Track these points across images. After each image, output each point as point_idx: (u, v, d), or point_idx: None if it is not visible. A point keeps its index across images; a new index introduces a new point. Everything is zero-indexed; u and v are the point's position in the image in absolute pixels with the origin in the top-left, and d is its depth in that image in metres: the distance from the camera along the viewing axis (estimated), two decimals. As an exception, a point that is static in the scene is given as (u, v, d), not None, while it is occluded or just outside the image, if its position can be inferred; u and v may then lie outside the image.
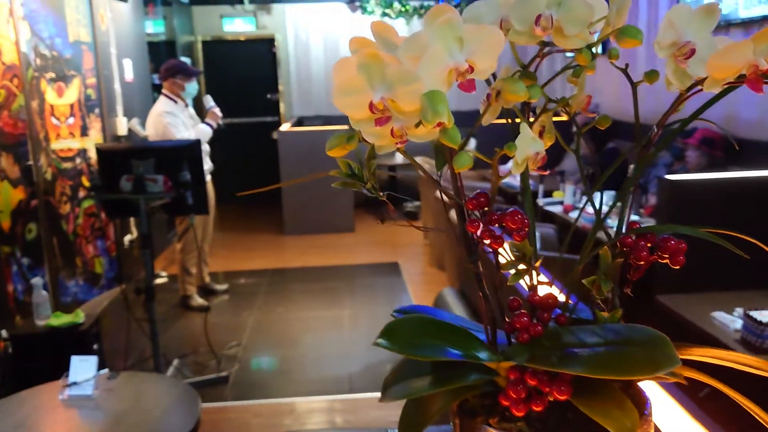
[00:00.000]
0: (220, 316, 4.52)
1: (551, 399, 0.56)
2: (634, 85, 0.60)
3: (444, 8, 0.47)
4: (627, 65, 0.59)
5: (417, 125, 0.46)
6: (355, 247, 6.09)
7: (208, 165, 4.64)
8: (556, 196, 4.42)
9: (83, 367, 1.91)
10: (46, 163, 4.05)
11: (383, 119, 0.46)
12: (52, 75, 4.19)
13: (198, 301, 4.55)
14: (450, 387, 0.62)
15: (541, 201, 4.43)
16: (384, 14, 7.58)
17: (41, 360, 2.95)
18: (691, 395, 3.04)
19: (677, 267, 0.58)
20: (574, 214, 3.99)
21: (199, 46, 7.91)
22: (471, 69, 0.46)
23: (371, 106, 0.45)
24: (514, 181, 5.23)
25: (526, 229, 0.58)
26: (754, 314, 2.14)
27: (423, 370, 0.65)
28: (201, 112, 4.76)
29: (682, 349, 0.61)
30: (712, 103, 0.57)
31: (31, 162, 3.82)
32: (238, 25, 7.92)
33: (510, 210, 0.57)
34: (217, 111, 4.63)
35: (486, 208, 0.59)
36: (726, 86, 0.50)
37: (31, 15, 3.93)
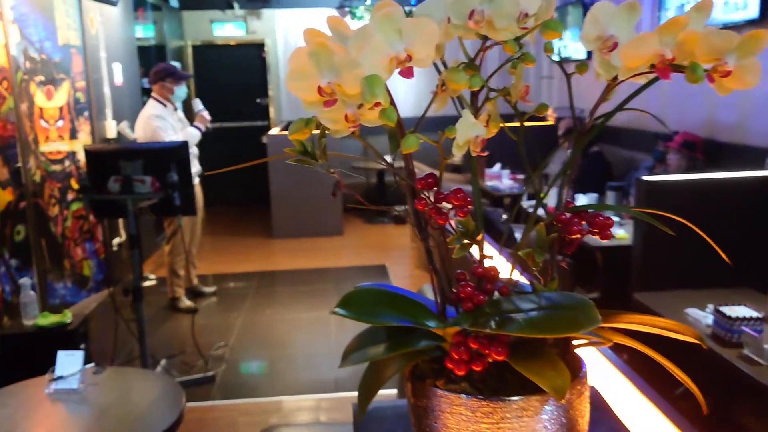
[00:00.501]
0: (209, 318, 4.56)
1: (490, 360, 0.62)
2: (568, 77, 0.65)
3: (386, 3, 0.53)
4: (561, 58, 0.65)
5: (360, 106, 0.52)
6: (343, 250, 6.14)
7: (196, 168, 4.68)
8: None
9: (69, 362, 1.95)
10: (35, 165, 4.08)
11: (330, 101, 0.52)
12: (41, 78, 4.23)
13: (186, 303, 4.58)
14: (402, 352, 0.67)
15: (525, 203, 4.49)
16: (373, 20, 7.65)
17: (28, 360, 2.98)
18: (666, 394, 3.11)
19: (605, 240, 0.64)
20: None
21: (190, 50, 7.96)
22: (409, 57, 0.52)
23: (320, 89, 0.51)
24: (500, 184, 5.30)
25: (469, 206, 0.63)
26: (724, 310, 2.21)
27: (378, 339, 0.70)
28: (190, 115, 4.81)
29: (612, 317, 0.67)
30: (637, 93, 0.63)
31: (20, 164, 3.86)
32: (228, 30, 7.98)
33: (453, 189, 0.63)
34: (206, 114, 4.68)
35: (435, 188, 0.65)
36: (639, 75, 0.56)
37: (20, 18, 3.97)
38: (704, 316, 2.37)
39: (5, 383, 2.51)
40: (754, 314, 2.19)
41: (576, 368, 0.68)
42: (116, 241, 5.16)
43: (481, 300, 0.64)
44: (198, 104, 4.74)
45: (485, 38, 0.63)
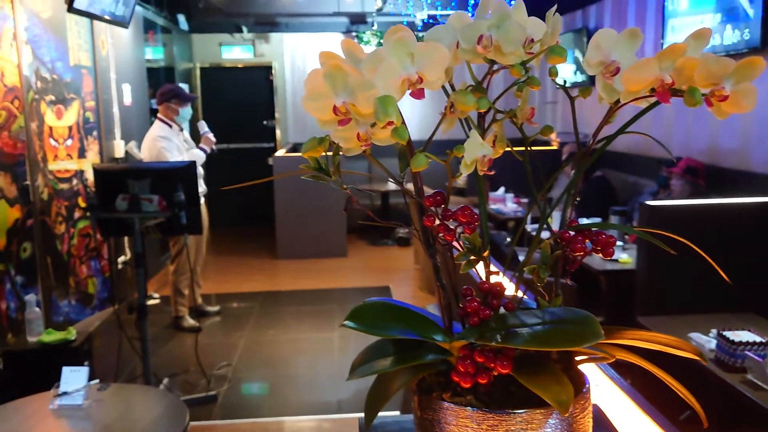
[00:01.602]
0: (212, 337, 4.56)
1: (496, 373, 0.64)
2: (572, 100, 0.68)
3: (398, 28, 0.56)
4: (565, 81, 0.67)
5: (372, 125, 0.54)
6: (347, 272, 6.15)
7: (202, 188, 4.72)
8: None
9: (74, 378, 1.96)
10: (43, 183, 4.12)
11: (345, 120, 0.54)
12: (52, 97, 4.29)
13: (190, 322, 4.59)
14: (409, 365, 0.69)
15: (528, 227, 4.51)
16: (379, 44, 7.76)
17: (32, 376, 2.99)
18: (671, 418, 3.09)
19: (608, 258, 0.66)
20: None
21: (198, 72, 8.06)
22: (420, 80, 0.55)
23: (335, 108, 0.53)
24: (504, 207, 5.32)
25: (476, 223, 0.65)
26: (728, 334, 2.21)
27: (386, 352, 0.72)
28: (196, 137, 4.86)
29: (614, 333, 0.69)
30: (639, 117, 0.65)
31: (28, 182, 3.90)
32: (236, 53, 8.08)
33: (461, 206, 0.65)
34: (211, 136, 4.73)
35: (442, 206, 0.67)
36: (640, 99, 0.58)
37: (33, 39, 4.04)
38: (707, 341, 2.37)
39: (9, 399, 2.52)
40: (758, 339, 2.19)
41: (579, 383, 0.69)
42: (121, 259, 5.18)
43: (488, 315, 0.66)
44: (203, 126, 4.79)
45: (492, 62, 0.66)
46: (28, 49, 3.99)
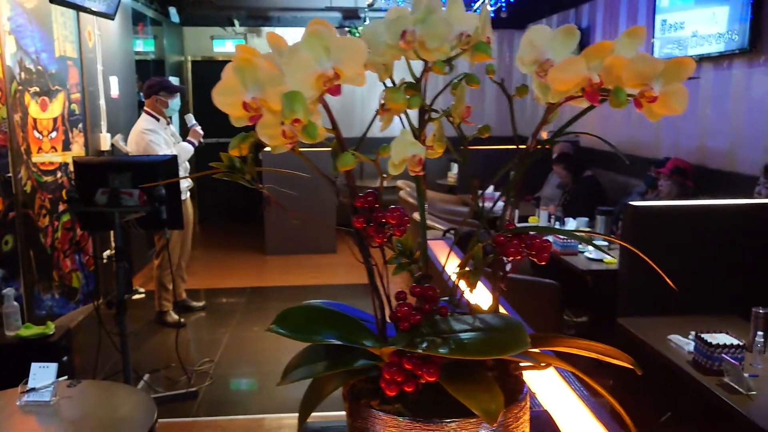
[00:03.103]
0: (196, 333, 4.53)
1: (423, 381, 0.61)
2: (509, 98, 0.65)
3: (316, 21, 0.53)
4: (503, 80, 0.65)
5: (281, 123, 0.52)
6: (336, 268, 6.12)
7: (187, 182, 4.69)
8: (532, 221, 4.49)
9: (43, 374, 1.93)
10: (26, 175, 4.08)
11: (255, 116, 0.52)
12: (36, 89, 4.25)
13: (173, 317, 4.56)
14: (339, 370, 0.67)
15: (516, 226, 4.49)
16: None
17: (9, 370, 2.95)
18: (652, 420, 3.08)
19: (543, 263, 0.64)
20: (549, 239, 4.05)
21: (189, 65, 8.01)
22: (337, 75, 0.52)
23: (245, 104, 0.51)
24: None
25: (407, 225, 0.63)
26: (706, 337, 2.19)
27: (319, 357, 0.70)
28: (184, 131, 4.83)
29: (551, 341, 0.67)
30: (576, 118, 0.63)
31: (10, 174, 3.86)
32: (228, 47, 8.03)
33: (391, 207, 0.62)
34: (199, 129, 4.69)
35: (375, 206, 0.65)
36: (574, 99, 0.56)
37: (17, 29, 4.00)
38: (686, 343, 2.36)
39: (-17, 394, 2.49)
40: (735, 342, 2.17)
41: (516, 391, 0.67)
42: (106, 253, 5.15)
43: (418, 320, 0.64)
44: (191, 119, 4.75)
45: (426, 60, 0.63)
46: (12, 39, 3.95)
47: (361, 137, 0.65)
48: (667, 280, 0.72)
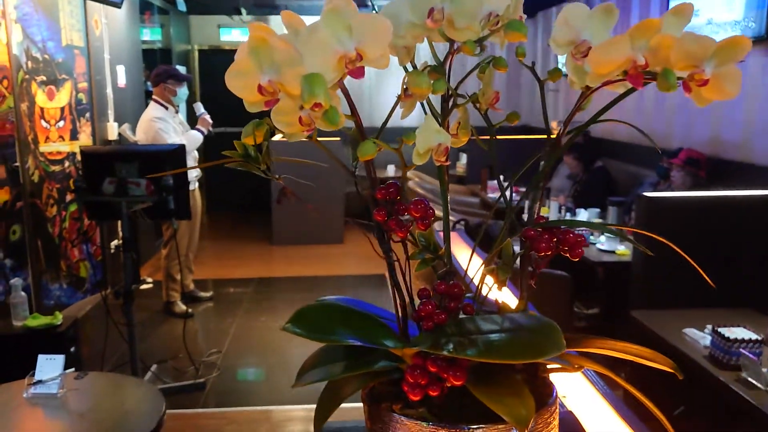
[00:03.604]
0: (203, 323, 4.52)
1: (449, 385, 0.58)
2: (541, 84, 0.61)
3: (337, -3, 0.49)
4: (534, 63, 0.61)
5: (300, 108, 0.48)
6: (343, 258, 6.09)
7: (195, 172, 4.66)
8: (542, 212, 4.44)
9: (50, 366, 1.91)
10: (34, 165, 4.06)
11: (272, 101, 0.48)
12: (43, 78, 4.22)
13: (181, 307, 4.54)
14: (358, 372, 0.63)
15: (526, 216, 4.44)
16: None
17: (16, 360, 2.94)
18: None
19: (576, 259, 0.60)
20: (557, 230, 4.00)
21: (196, 54, 7.96)
22: (360, 57, 0.48)
23: (260, 88, 0.47)
24: (502, 196, 5.24)
25: (431, 218, 0.59)
26: (723, 331, 2.15)
27: (336, 357, 0.66)
28: (192, 120, 4.79)
29: (584, 342, 0.63)
30: (614, 104, 0.59)
31: (17, 163, 3.84)
32: (235, 36, 7.98)
33: (414, 200, 0.59)
34: (208, 118, 4.66)
35: (397, 198, 0.61)
36: (613, 83, 0.51)
37: (24, 18, 3.97)
38: (702, 337, 2.31)
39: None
40: (753, 336, 2.13)
41: (545, 395, 0.63)
42: (114, 243, 5.13)
43: (443, 319, 0.60)
44: (200, 107, 4.72)
45: (453, 40, 0.59)
46: (18, 28, 3.91)
47: (382, 125, 0.61)
48: (705, 276, 0.68)
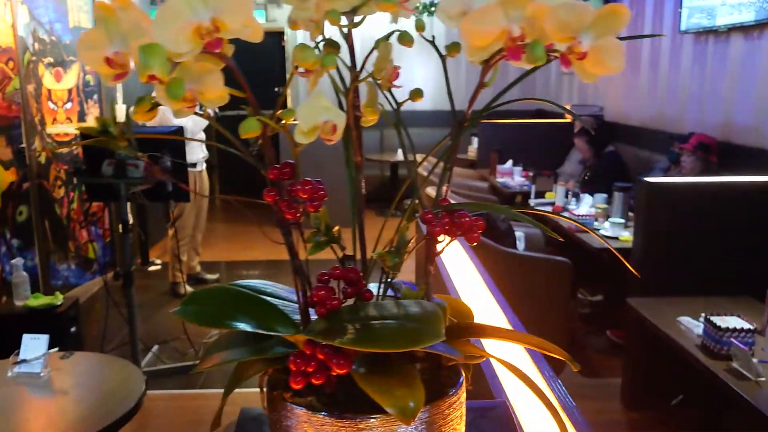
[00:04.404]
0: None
1: (335, 374, 0.55)
2: (443, 58, 0.58)
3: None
4: (434, 37, 0.58)
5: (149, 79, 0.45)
6: (351, 242, 6.08)
7: (203, 153, 4.66)
8: (548, 197, 4.38)
9: (34, 346, 1.93)
10: (41, 146, 4.10)
11: (121, 74, 0.45)
12: (50, 60, 4.24)
13: (186, 289, 4.57)
14: (254, 358, 0.61)
15: (532, 201, 4.39)
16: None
17: (17, 340, 2.98)
18: (664, 401, 2.98)
19: (473, 243, 0.57)
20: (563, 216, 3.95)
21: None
22: (217, 27, 0.45)
23: (108, 60, 0.45)
24: (511, 181, 5.19)
25: (322, 199, 0.57)
26: (715, 319, 2.10)
27: (240, 341, 0.64)
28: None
29: (484, 331, 0.60)
30: (519, 81, 0.55)
31: (24, 145, 3.87)
32: (248, 18, 7.95)
33: (302, 180, 0.56)
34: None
35: (290, 178, 0.58)
36: (498, 58, 0.48)
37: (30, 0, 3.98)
38: (696, 326, 2.26)
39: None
40: (746, 325, 2.07)
41: (448, 385, 0.61)
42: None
43: (335, 305, 0.58)
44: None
45: (353, 12, 0.56)
46: (25, 9, 3.93)
47: (396, 111, 0.58)
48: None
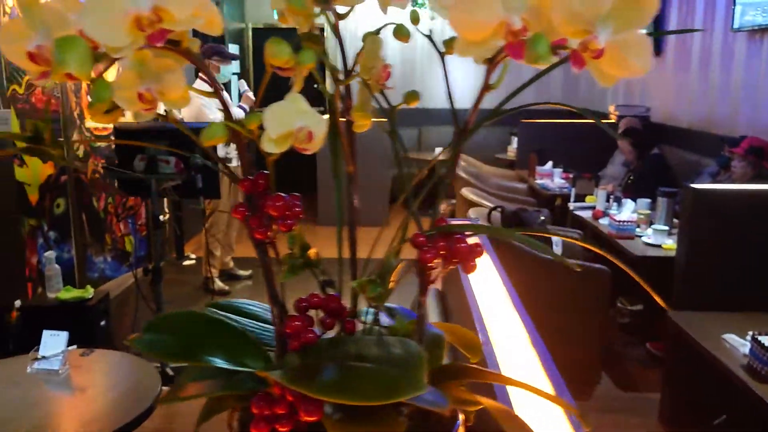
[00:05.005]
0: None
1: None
2: (442, 55, 0.50)
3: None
4: (431, 31, 0.50)
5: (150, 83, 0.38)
6: (386, 242, 6.00)
7: (238, 150, 4.66)
8: (589, 200, 4.22)
9: (53, 342, 1.91)
10: (79, 140, 4.14)
11: (45, 72, 0.39)
12: (90, 54, 4.29)
13: (219, 284, 4.57)
14: (230, 393, 0.54)
15: (571, 205, 4.24)
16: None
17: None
18: (706, 421, 2.81)
19: (470, 273, 0.48)
20: (603, 221, 3.80)
21: (250, 33, 7.97)
22: (159, 18, 0.38)
23: (30, 55, 0.38)
24: (550, 182, 5.04)
25: (297, 217, 0.49)
26: (763, 339, 1.95)
27: (210, 371, 0.57)
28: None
29: (480, 375, 0.52)
30: (531, 82, 0.47)
31: (62, 138, 3.92)
32: (289, 14, 7.94)
33: (274, 195, 0.49)
34: (251, 95, 4.65)
35: (265, 192, 0.51)
36: (501, 56, 0.40)
37: (70, -6, 4.02)
38: (742, 344, 2.12)
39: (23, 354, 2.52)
40: (798, 347, 1.92)
41: (442, 428, 0.53)
42: (160, 218, 5.20)
43: (311, 339, 0.50)
44: (243, 85, 4.72)
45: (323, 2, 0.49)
46: (66, 5, 3.97)
47: (391, 114, 0.51)
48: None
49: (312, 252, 0.52)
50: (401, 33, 0.50)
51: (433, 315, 1.83)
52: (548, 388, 0.93)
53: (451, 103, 0.51)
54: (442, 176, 0.52)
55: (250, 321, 0.61)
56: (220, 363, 0.51)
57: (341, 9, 0.49)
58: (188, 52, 0.46)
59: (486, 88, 0.48)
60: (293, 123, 0.46)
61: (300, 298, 0.54)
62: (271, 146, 0.46)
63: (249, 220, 0.49)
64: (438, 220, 0.52)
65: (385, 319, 0.60)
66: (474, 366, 0.52)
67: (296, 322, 0.50)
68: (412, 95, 0.53)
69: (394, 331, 0.52)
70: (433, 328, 0.58)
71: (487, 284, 1.38)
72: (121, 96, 0.47)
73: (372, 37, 0.50)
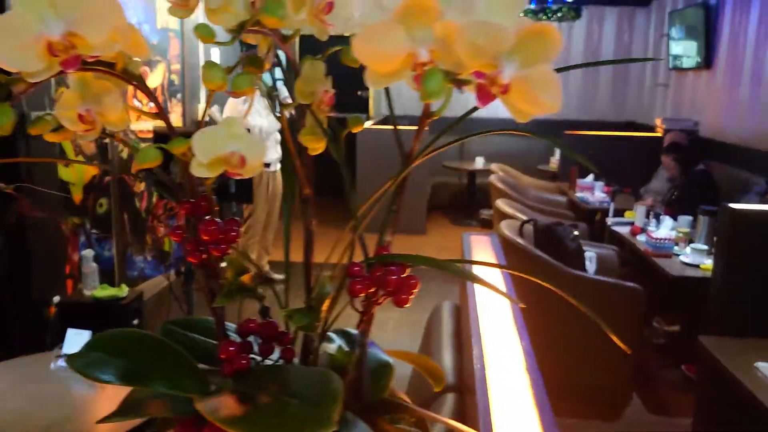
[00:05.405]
0: (273, 306, 4.57)
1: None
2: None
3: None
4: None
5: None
6: (423, 250, 5.95)
7: (277, 154, 4.71)
8: (628, 216, 4.11)
9: (77, 340, 1.97)
10: (119, 140, 4.25)
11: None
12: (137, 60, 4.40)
13: (253, 288, 4.62)
14: (158, 416, 0.54)
15: (610, 220, 4.14)
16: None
17: (82, 329, 3.09)
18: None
19: (402, 306, 0.47)
20: (641, 238, 3.69)
21: (297, 39, 8.06)
22: (72, 44, 0.38)
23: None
24: (591, 197, 4.93)
25: (231, 242, 0.49)
26: (797, 370, 1.86)
27: (158, 392, 0.57)
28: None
29: (396, 410, 0.50)
30: (463, 118, 0.45)
31: (107, 140, 4.03)
32: (336, 21, 8.00)
33: (206, 219, 0.48)
34: (290, 101, 4.69)
35: (206, 215, 0.51)
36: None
37: (121, 1, 4.14)
38: (776, 374, 2.02)
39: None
40: (835, 381, 1.82)
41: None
42: (199, 220, 5.30)
43: (243, 365, 0.49)
44: (283, 90, 4.75)
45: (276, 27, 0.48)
46: (114, 11, 4.09)
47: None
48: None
49: (246, 278, 0.51)
50: (347, 57, 0.49)
51: (446, 330, 1.81)
52: (533, 415, 0.90)
53: (395, 126, 0.50)
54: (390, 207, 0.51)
55: (206, 339, 0.61)
56: (160, 387, 0.51)
57: (286, 32, 0.48)
58: (126, 73, 0.46)
59: (426, 116, 0.47)
60: (225, 147, 0.45)
61: (242, 322, 0.53)
62: (202, 171, 0.46)
63: (185, 244, 0.49)
64: (379, 248, 0.51)
65: (343, 346, 0.59)
66: (405, 402, 0.50)
67: (230, 348, 0.50)
68: (355, 120, 0.52)
69: (333, 361, 0.51)
70: (385, 357, 0.56)
71: (495, 306, 1.35)
72: (63, 116, 0.48)
73: (311, 62, 0.49)
